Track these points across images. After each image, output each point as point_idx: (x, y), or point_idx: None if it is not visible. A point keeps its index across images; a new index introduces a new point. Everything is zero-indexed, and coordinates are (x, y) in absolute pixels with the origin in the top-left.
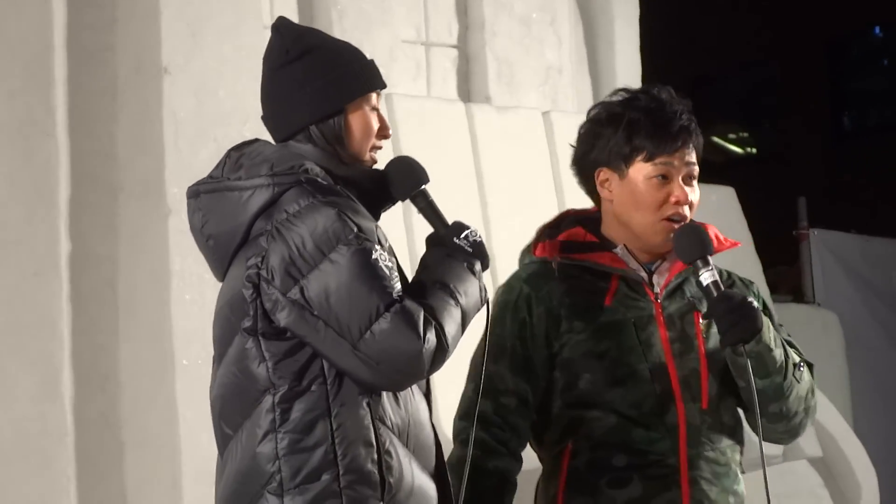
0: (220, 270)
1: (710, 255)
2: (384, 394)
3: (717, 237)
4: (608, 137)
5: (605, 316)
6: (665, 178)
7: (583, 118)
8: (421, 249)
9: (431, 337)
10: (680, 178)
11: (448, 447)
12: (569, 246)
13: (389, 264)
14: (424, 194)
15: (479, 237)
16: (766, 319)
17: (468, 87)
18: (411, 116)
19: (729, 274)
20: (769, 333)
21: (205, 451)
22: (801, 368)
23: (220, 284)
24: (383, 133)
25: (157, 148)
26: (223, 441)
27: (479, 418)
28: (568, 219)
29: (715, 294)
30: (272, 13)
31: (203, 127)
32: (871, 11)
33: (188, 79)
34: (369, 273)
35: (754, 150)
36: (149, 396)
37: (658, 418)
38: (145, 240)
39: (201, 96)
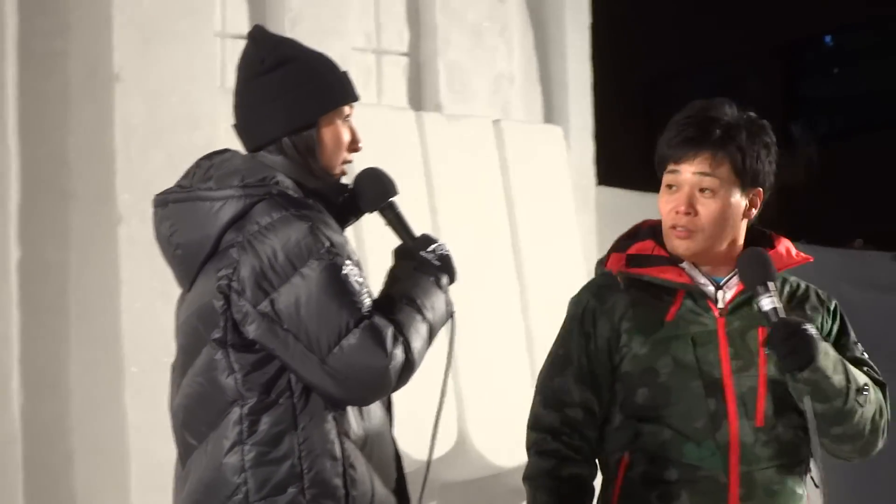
0: (187, 280)
1: (772, 280)
2: (349, 408)
3: (787, 252)
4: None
5: (664, 331)
6: (671, 188)
7: (533, 126)
8: (373, 263)
9: (399, 353)
10: (689, 188)
11: (407, 459)
12: (636, 259)
13: (360, 279)
14: (392, 206)
15: (447, 250)
16: (824, 346)
17: (419, 96)
18: (362, 125)
19: (807, 287)
20: (826, 360)
21: (154, 458)
22: (867, 391)
23: (170, 292)
24: (354, 146)
25: (108, 155)
26: (186, 451)
27: (548, 429)
28: (644, 230)
29: (773, 321)
30: (224, 20)
31: (154, 134)
32: (823, 19)
33: (140, 85)
34: (339, 288)
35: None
36: (98, 403)
37: (710, 434)
38: (96, 247)
39: (153, 103)
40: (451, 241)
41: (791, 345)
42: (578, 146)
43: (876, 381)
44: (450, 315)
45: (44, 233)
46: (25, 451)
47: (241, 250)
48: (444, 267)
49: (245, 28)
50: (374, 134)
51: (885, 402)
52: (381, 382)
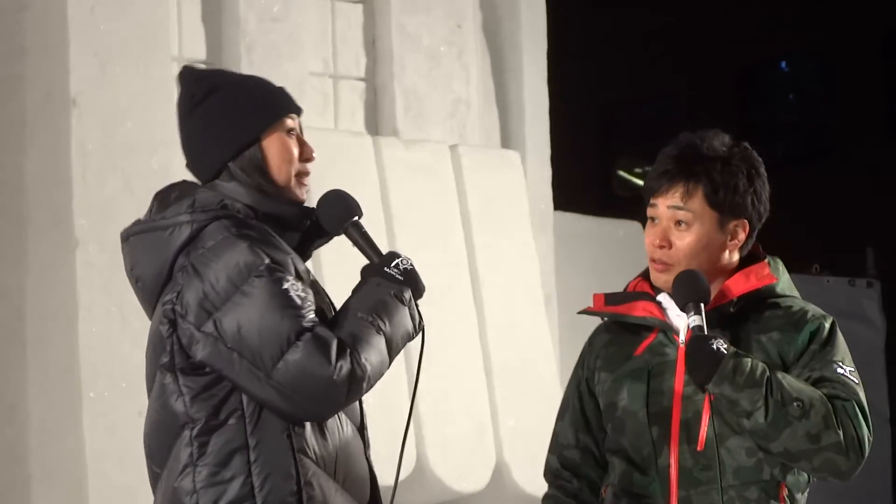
0: (149, 311)
1: (702, 300)
2: (307, 426)
3: (747, 277)
4: None
5: (627, 366)
6: (653, 220)
7: (490, 151)
8: (330, 285)
9: (345, 364)
10: (666, 222)
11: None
12: (613, 298)
13: (302, 294)
14: (357, 226)
15: (411, 265)
16: (736, 361)
17: (376, 121)
18: (319, 149)
19: (798, 310)
20: (737, 376)
21: (111, 483)
22: (798, 405)
23: (128, 317)
24: (306, 156)
25: (65, 180)
26: (154, 480)
27: (551, 473)
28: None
29: (690, 338)
30: (181, 46)
31: (111, 159)
32: (778, 45)
33: (96, 111)
34: (280, 303)
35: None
36: (56, 429)
37: (653, 462)
38: (53, 272)
39: (109, 128)
40: None
41: (696, 359)
42: (535, 171)
43: (838, 398)
44: (418, 329)
45: (1, 258)
46: None
47: (185, 274)
48: (408, 281)
49: (202, 52)
50: (331, 159)
51: (852, 418)
52: (329, 394)
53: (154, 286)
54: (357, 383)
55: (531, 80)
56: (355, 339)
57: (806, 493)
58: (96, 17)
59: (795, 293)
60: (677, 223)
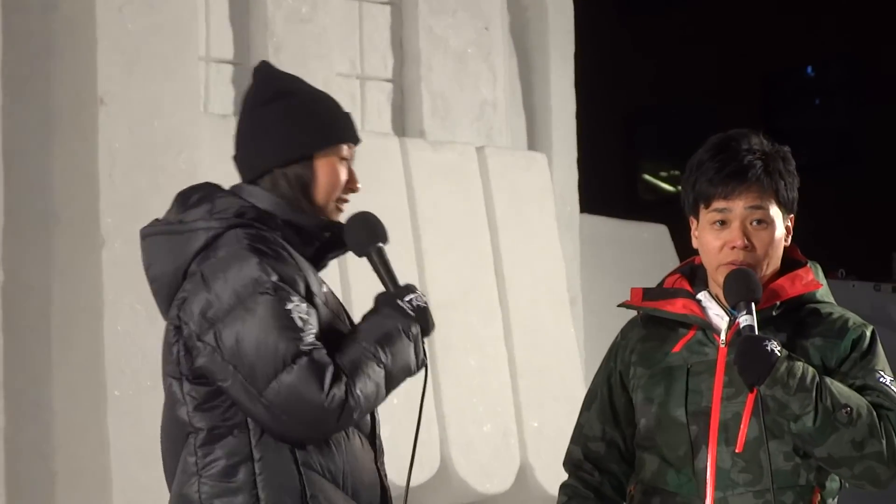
0: (164, 314)
1: (754, 299)
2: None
3: (797, 279)
4: (686, 187)
5: (665, 362)
6: (723, 224)
7: (517, 153)
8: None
9: (338, 392)
10: (741, 223)
11: (402, 483)
12: (650, 293)
13: (305, 316)
14: (380, 252)
15: (424, 302)
16: (791, 364)
17: (403, 122)
18: None
19: (839, 317)
20: (789, 378)
21: (136, 482)
22: (847, 411)
23: (154, 316)
24: (351, 186)
25: (91, 178)
26: (169, 483)
27: (572, 464)
28: (686, 266)
29: (742, 337)
30: (208, 45)
31: (138, 158)
32: (805, 51)
33: (124, 109)
34: (280, 323)
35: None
36: (81, 427)
37: (689, 461)
38: (79, 271)
39: (136, 127)
40: (434, 268)
41: (748, 359)
42: (562, 173)
43: (882, 407)
44: (420, 366)
45: (26, 256)
46: (7, 474)
47: (193, 281)
48: (419, 318)
49: (229, 53)
50: (357, 160)
51: (895, 428)
52: (318, 420)
53: (169, 289)
54: (348, 412)
55: (558, 83)
56: (354, 368)
57: (836, 500)
58: (124, 17)
59: (832, 300)
60: (755, 223)
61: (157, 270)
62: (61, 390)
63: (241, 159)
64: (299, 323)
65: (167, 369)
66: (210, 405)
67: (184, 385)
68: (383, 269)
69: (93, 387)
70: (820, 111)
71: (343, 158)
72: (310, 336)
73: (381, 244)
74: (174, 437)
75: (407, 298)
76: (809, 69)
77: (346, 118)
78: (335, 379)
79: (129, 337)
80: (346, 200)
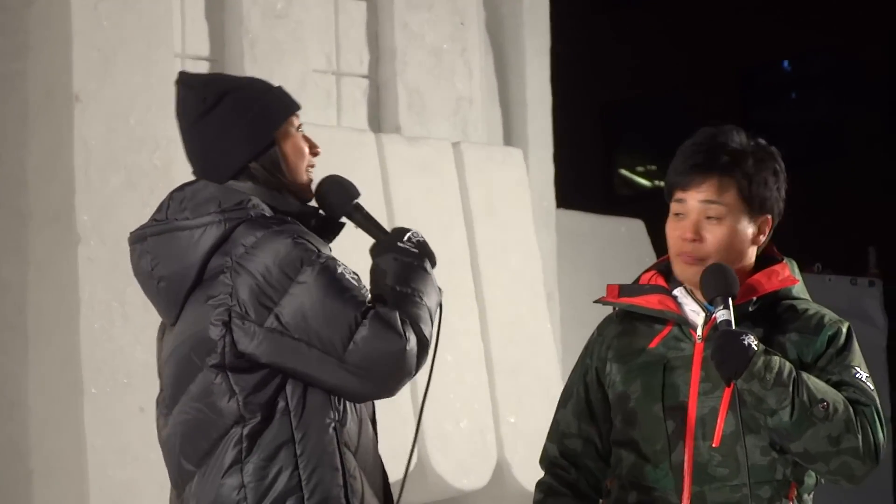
0: (172, 312)
1: (730, 294)
2: (349, 418)
3: (771, 276)
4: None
5: (641, 358)
6: (679, 216)
7: (493, 148)
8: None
9: (412, 335)
10: (695, 215)
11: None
12: (627, 290)
13: (354, 276)
14: (359, 207)
15: (422, 237)
16: (767, 359)
17: (378, 117)
18: (321, 146)
19: (815, 313)
20: (766, 372)
21: (112, 479)
22: (823, 406)
23: (129, 313)
24: (314, 150)
25: (67, 175)
26: (182, 477)
27: (548, 461)
28: (663, 262)
29: (719, 332)
30: (184, 42)
31: (113, 155)
32: (782, 45)
33: (99, 106)
34: (339, 287)
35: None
36: (57, 425)
37: (666, 456)
38: (55, 267)
39: (112, 124)
40: None
41: (725, 353)
42: (538, 168)
43: (858, 403)
44: (439, 300)
45: (2, 252)
46: None
47: (233, 274)
48: (424, 252)
49: (205, 49)
50: (333, 155)
51: (871, 424)
52: (402, 366)
53: (179, 288)
54: (424, 352)
55: (534, 78)
56: (409, 311)
57: (812, 495)
58: (99, 14)
59: (808, 296)
60: (708, 217)
61: (165, 269)
62: (37, 388)
63: (207, 167)
64: (353, 283)
65: (206, 363)
66: (259, 393)
67: (230, 377)
68: (368, 221)
69: (69, 384)
70: (796, 105)
71: (298, 128)
72: (367, 293)
73: (357, 200)
74: (208, 429)
75: (406, 238)
76: (786, 63)
77: (281, 91)
78: (405, 323)
79: (106, 334)
80: (313, 166)
